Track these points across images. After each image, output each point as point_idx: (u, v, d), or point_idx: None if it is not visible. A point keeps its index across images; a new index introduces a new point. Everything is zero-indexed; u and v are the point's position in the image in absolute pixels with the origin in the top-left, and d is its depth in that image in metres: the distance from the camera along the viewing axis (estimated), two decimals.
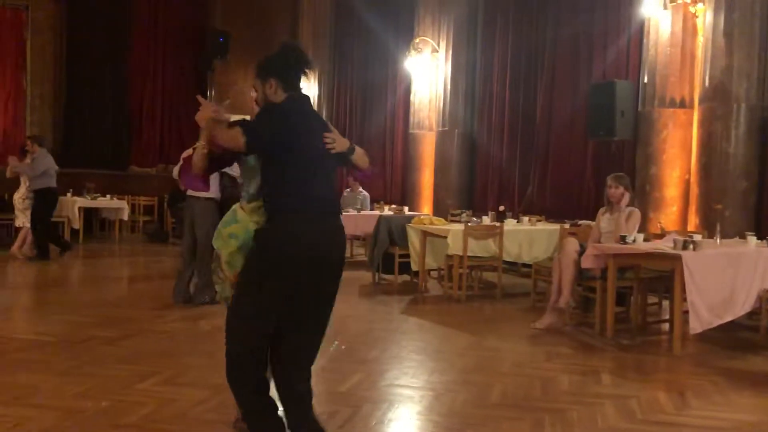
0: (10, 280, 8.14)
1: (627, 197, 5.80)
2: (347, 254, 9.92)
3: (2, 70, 15.78)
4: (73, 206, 11.76)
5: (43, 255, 9.30)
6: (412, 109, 11.73)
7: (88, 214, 12.48)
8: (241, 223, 2.88)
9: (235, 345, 2.79)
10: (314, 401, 3.69)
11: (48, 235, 9.61)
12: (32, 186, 9.29)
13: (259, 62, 2.92)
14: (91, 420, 3.32)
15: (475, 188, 11.06)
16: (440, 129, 11.04)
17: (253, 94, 3.04)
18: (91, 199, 12.19)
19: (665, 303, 6.20)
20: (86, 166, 14.09)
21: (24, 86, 14.98)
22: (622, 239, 5.41)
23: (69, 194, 12.15)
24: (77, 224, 11.72)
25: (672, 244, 5.17)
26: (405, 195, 12.14)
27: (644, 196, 7.49)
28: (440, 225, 7.43)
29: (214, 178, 5.82)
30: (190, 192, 6.05)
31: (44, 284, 8.12)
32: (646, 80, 7.71)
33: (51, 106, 14.90)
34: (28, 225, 9.33)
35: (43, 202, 9.33)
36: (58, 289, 7.52)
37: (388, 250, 7.79)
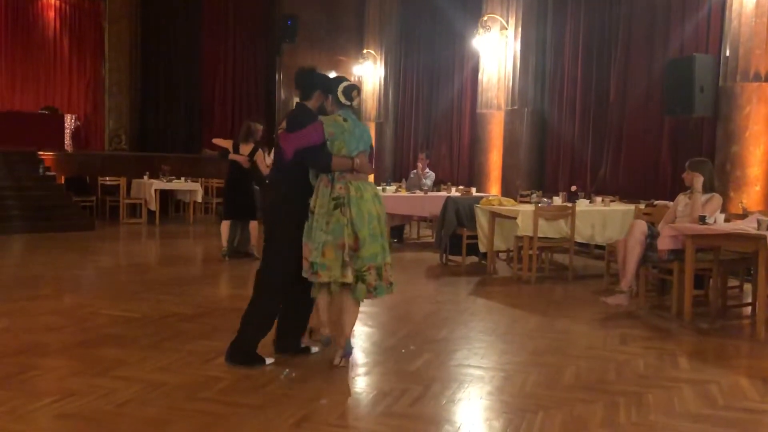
0: (96, 259, 8.53)
1: (699, 181, 5.56)
2: (414, 235, 9.95)
3: (82, 59, 16.52)
4: (149, 188, 12.21)
5: None
6: (479, 89, 11.56)
7: (164, 196, 12.92)
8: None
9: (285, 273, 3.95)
10: (384, 379, 3.75)
11: None
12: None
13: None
14: (172, 392, 3.46)
15: (546, 168, 10.85)
16: (509, 108, 10.85)
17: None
18: (167, 181, 12.61)
19: (747, 286, 5.95)
20: (161, 150, 14.63)
21: (103, 74, 15.60)
22: (701, 220, 5.21)
23: (146, 177, 12.62)
24: (154, 206, 12.16)
25: (755, 225, 4.94)
26: (472, 176, 12.03)
27: (724, 175, 7.18)
28: (510, 206, 7.34)
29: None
30: None
31: (126, 263, 8.49)
32: (728, 53, 7.35)
33: (128, 92, 15.47)
34: None
35: None
36: (140, 268, 7.84)
37: (456, 232, 7.75)
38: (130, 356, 4.06)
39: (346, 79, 4.11)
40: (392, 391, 3.54)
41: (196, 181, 13.13)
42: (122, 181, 12.59)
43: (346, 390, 3.58)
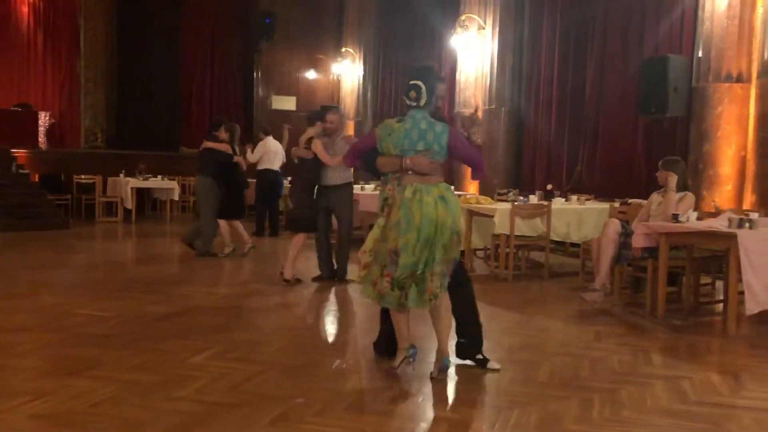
0: (71, 258, 8.43)
1: (673, 180, 5.65)
2: None
3: (57, 55, 16.27)
4: (126, 186, 12.10)
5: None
6: (457, 88, 11.62)
7: (141, 194, 12.81)
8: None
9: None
10: (359, 377, 3.76)
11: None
12: None
13: None
14: (147, 391, 3.43)
15: (523, 167, 10.93)
16: (486, 107, 10.92)
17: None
18: (143, 179, 12.51)
19: (719, 283, 6.05)
20: (138, 148, 14.48)
21: (78, 71, 15.41)
22: (675, 218, 5.29)
23: (122, 175, 12.51)
24: (130, 204, 12.06)
25: (727, 223, 5.03)
26: (450, 175, 12.06)
27: (698, 174, 7.30)
28: (487, 204, 7.39)
29: (345, 169, 6.40)
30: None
31: (101, 262, 8.40)
32: (701, 54, 7.47)
33: (104, 89, 15.31)
34: None
35: None
36: (115, 267, 7.76)
37: None
38: (104, 356, 4.02)
39: (415, 75, 3.83)
40: (370, 390, 3.55)
41: (173, 180, 13.04)
42: (98, 180, 12.46)
43: (323, 388, 3.58)
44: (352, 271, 6.41)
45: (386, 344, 4.03)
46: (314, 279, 6.67)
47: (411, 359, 3.79)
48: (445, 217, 3.64)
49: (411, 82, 3.77)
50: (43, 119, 15.69)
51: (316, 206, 6.48)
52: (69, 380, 3.56)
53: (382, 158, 3.78)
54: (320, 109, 6.61)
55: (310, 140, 6.40)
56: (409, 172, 3.68)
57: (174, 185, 12.74)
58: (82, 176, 12.57)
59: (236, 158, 8.27)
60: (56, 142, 15.65)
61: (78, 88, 15.44)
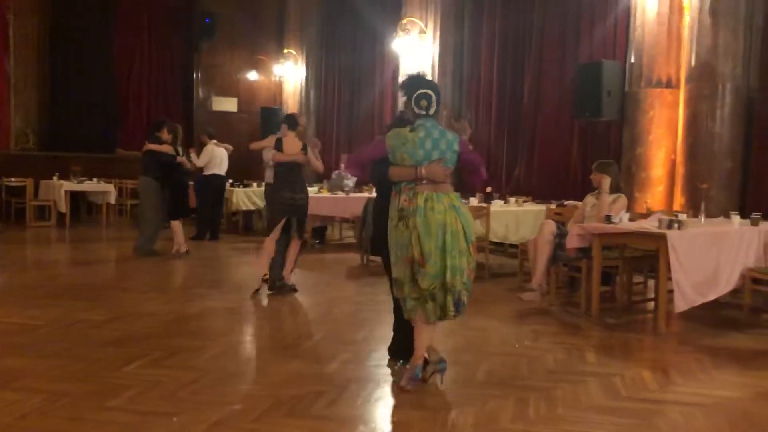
0: None
1: (607, 182, 5.83)
2: (336, 236, 9.80)
3: None
4: (59, 190, 11.69)
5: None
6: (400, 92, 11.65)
7: (75, 197, 12.41)
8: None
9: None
10: (300, 381, 3.73)
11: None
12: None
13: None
14: (77, 402, 3.32)
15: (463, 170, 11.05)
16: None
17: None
18: (78, 182, 12.12)
19: (651, 282, 6.26)
20: (72, 150, 14.02)
21: (7, 69, 14.80)
22: (607, 219, 5.44)
23: (55, 178, 12.09)
24: (64, 208, 11.66)
25: (657, 224, 5.21)
26: None
27: (630, 176, 7.53)
28: None
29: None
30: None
31: (32, 268, 8.09)
32: (632, 60, 7.73)
33: (36, 88, 14.77)
34: None
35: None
36: (47, 273, 7.49)
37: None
38: (33, 366, 3.87)
39: (424, 84, 3.82)
40: (308, 394, 3.53)
41: (110, 182, 12.67)
42: (29, 183, 12.00)
43: (261, 394, 3.53)
44: (298, 278, 6.37)
45: (402, 348, 4.02)
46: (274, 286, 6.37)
47: (441, 372, 3.76)
48: (456, 225, 3.65)
49: (421, 91, 3.75)
50: None
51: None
52: None
53: (396, 169, 3.73)
54: (292, 116, 6.54)
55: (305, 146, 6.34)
56: (424, 182, 3.67)
57: (110, 188, 12.38)
58: (12, 179, 12.09)
59: (179, 159, 8.28)
60: None
61: (7, 87, 14.83)
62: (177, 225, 8.42)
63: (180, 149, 8.37)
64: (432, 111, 3.76)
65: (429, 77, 4.20)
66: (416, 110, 3.76)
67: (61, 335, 4.60)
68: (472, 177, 4.13)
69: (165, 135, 8.22)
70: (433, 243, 3.59)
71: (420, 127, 3.73)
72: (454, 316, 3.70)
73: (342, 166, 4.39)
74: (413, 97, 3.76)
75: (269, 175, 6.44)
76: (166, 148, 8.19)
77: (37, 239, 10.55)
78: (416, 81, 3.86)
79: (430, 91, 3.76)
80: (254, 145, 6.61)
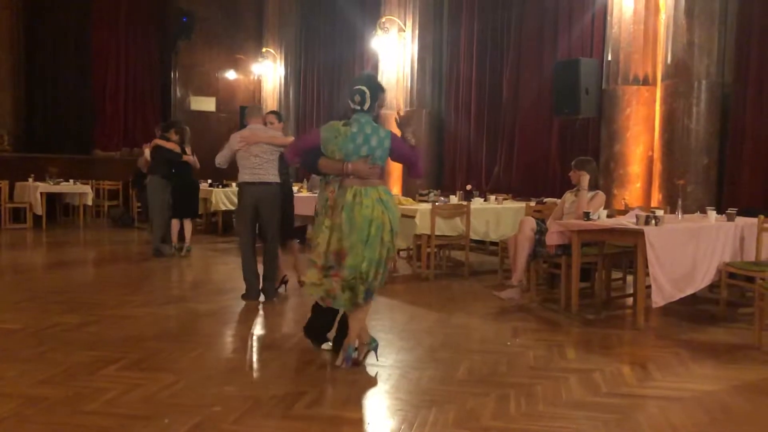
0: None
1: (585, 179, 5.87)
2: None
3: None
4: (35, 192, 11.52)
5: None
6: None
7: (51, 199, 12.24)
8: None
9: None
10: (280, 382, 3.71)
11: None
12: None
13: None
14: (53, 407, 3.27)
15: (444, 168, 11.08)
16: (407, 109, 11.01)
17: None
18: (54, 184, 11.95)
19: (629, 278, 6.31)
20: (48, 151, 13.81)
21: None
22: (586, 215, 5.48)
23: (31, 179, 11.91)
24: (40, 210, 11.49)
25: (635, 220, 5.25)
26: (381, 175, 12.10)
27: (609, 173, 7.59)
28: (408, 205, 7.44)
29: (274, 164, 5.97)
30: (252, 179, 5.84)
31: (7, 271, 7.97)
32: (609, 58, 7.78)
33: (10, 88, 14.50)
34: None
35: None
36: (23, 276, 7.38)
37: None
38: (7, 370, 3.81)
39: (361, 81, 4.04)
40: (288, 394, 3.51)
41: (87, 184, 12.51)
42: (4, 185, 11.80)
43: (241, 396, 3.51)
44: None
45: (316, 333, 4.33)
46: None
47: (375, 350, 4.09)
48: (383, 218, 3.84)
49: (356, 87, 3.97)
50: None
51: None
52: None
53: (325, 161, 3.92)
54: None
55: None
56: (350, 176, 3.85)
57: (87, 189, 12.22)
58: None
59: (185, 157, 8.48)
60: None
61: None
62: (176, 224, 8.61)
63: (187, 150, 8.56)
64: (366, 107, 3.95)
65: (378, 77, 4.45)
66: (351, 105, 3.97)
67: (37, 339, 4.52)
68: (409, 172, 4.32)
69: (173, 136, 8.47)
70: (356, 236, 3.77)
71: (354, 122, 3.93)
72: (364, 304, 3.95)
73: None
74: (349, 92, 3.98)
75: (275, 175, 6.04)
76: (173, 146, 8.41)
77: (12, 242, 10.38)
78: (357, 78, 4.22)
79: (364, 87, 3.96)
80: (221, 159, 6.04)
